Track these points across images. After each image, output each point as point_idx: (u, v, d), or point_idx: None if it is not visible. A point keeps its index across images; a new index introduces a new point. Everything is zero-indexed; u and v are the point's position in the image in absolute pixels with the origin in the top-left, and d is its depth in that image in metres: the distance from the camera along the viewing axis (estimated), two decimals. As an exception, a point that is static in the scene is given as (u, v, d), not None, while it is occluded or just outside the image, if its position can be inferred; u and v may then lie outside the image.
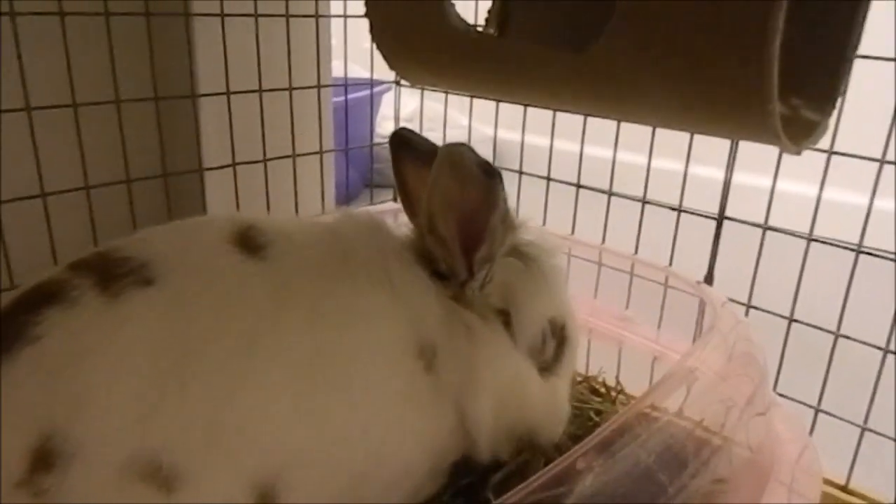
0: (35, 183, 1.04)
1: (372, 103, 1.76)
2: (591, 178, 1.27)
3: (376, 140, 1.72)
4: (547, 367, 0.86)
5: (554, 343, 0.86)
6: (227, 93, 1.27)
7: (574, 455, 0.70)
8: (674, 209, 1.10)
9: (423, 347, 0.75)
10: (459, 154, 0.71)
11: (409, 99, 2.22)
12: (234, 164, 1.31)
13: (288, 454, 0.67)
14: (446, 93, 1.47)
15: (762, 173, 1.22)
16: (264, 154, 1.35)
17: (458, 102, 1.55)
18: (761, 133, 0.71)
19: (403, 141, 0.85)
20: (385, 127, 2.90)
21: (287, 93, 1.37)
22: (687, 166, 1.09)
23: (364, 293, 0.75)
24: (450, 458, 0.82)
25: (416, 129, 1.34)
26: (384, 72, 1.46)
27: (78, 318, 0.64)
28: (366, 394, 0.72)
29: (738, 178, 1.09)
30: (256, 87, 1.31)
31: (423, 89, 1.50)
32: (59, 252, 1.06)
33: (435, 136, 1.62)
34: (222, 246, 0.73)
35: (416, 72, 1.11)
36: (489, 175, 0.72)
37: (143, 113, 1.18)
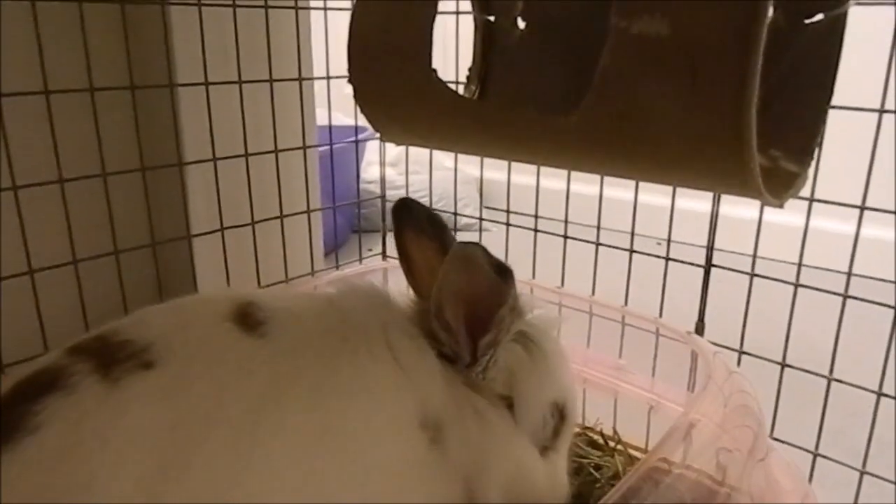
0: (22, 260, 1.04)
1: (357, 150, 1.77)
2: (580, 215, 1.27)
3: (362, 186, 1.73)
4: (547, 445, 0.85)
5: (553, 422, 0.85)
6: (214, 159, 1.28)
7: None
8: (662, 258, 1.11)
9: (428, 420, 0.75)
10: (472, 254, 0.72)
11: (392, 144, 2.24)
12: (222, 229, 1.31)
13: None
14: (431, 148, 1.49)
15: (749, 205, 1.24)
16: (252, 217, 1.36)
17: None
18: (743, 189, 0.73)
19: (405, 210, 0.86)
20: (370, 172, 2.92)
21: (273, 155, 1.38)
22: (673, 205, 1.10)
23: (366, 368, 0.74)
24: None
25: (402, 172, 1.34)
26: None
27: (78, 405, 0.63)
28: (372, 470, 0.71)
29: (725, 209, 1.10)
30: (242, 152, 1.32)
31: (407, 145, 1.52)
32: (47, 327, 1.05)
33: (420, 179, 1.63)
34: (221, 325, 0.72)
35: (399, 133, 1.12)
36: (501, 274, 0.73)
37: (129, 183, 1.18)
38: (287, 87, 1.43)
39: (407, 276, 0.87)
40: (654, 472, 0.80)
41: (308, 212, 1.49)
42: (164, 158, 1.27)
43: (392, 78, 0.96)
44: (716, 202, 1.09)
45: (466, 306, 0.76)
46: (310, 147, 1.49)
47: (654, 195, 1.19)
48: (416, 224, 0.85)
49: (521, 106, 0.86)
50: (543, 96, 0.92)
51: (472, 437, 0.77)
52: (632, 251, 1.16)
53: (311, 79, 1.49)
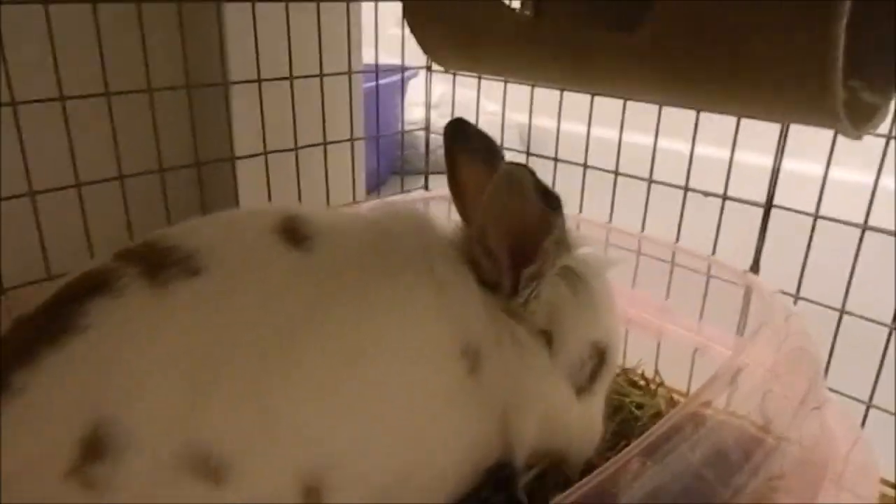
0: (68, 173, 1.03)
1: (403, 89, 1.73)
2: (631, 166, 1.23)
3: (406, 127, 1.70)
4: (584, 386, 0.83)
5: (592, 364, 0.83)
6: (259, 80, 1.26)
7: (625, 458, 0.69)
8: (718, 196, 1.07)
9: (468, 349, 0.74)
10: (520, 177, 0.69)
11: (437, 85, 2.19)
12: (265, 153, 1.30)
13: (332, 450, 0.67)
14: (479, 78, 1.44)
15: (805, 159, 1.17)
16: (295, 142, 1.34)
17: (488, 89, 1.52)
18: (821, 115, 0.68)
19: (459, 131, 0.83)
20: (413, 113, 2.87)
21: (318, 80, 1.35)
22: (733, 153, 1.05)
23: (409, 291, 0.74)
24: (487, 462, 0.80)
25: (444, 115, 1.32)
26: (412, 58, 1.45)
27: (125, 307, 0.64)
28: (408, 392, 0.71)
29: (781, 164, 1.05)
30: (287, 75, 1.29)
31: (454, 74, 1.47)
32: (94, 241, 1.06)
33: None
34: (268, 237, 0.72)
35: (451, 56, 1.08)
36: (548, 201, 0.70)
37: (175, 102, 1.17)
38: (334, 11, 1.39)
39: (455, 200, 0.85)
40: (696, 416, 0.78)
41: (352, 140, 1.46)
42: (210, 78, 1.25)
43: (445, -6, 0.92)
44: (779, 152, 1.03)
45: (511, 233, 0.74)
46: (355, 73, 1.45)
47: (708, 147, 1.14)
48: (470, 146, 0.82)
49: (582, 23, 0.82)
50: (606, 12, 0.87)
51: (509, 368, 0.76)
52: (686, 189, 1.12)
53: (359, 0, 1.45)
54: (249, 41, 1.23)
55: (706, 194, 1.10)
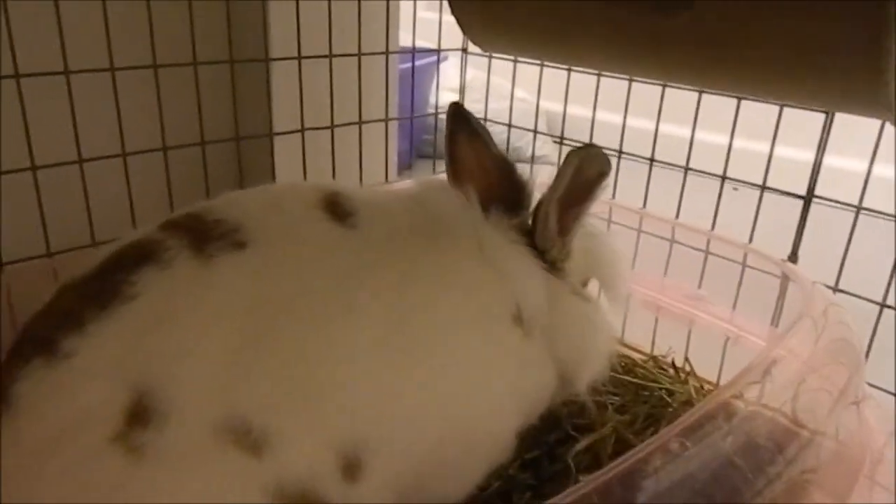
0: (114, 143, 1.05)
1: (438, 73, 1.73)
2: (665, 155, 1.23)
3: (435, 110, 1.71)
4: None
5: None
6: (299, 57, 1.26)
7: (657, 441, 0.69)
8: (757, 186, 1.06)
9: (521, 314, 0.76)
10: (595, 155, 0.76)
11: (468, 70, 2.18)
12: (302, 130, 1.31)
13: (374, 417, 0.67)
14: (514, 61, 1.44)
15: (840, 154, 1.16)
16: (332, 120, 1.35)
17: (519, 76, 1.52)
18: (871, 103, 0.67)
19: (459, 114, 0.86)
20: (442, 97, 2.87)
21: (355, 60, 1.36)
22: (773, 143, 1.04)
23: (456, 259, 0.75)
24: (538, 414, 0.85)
25: (474, 100, 1.32)
26: (444, 43, 1.45)
27: (172, 278, 0.65)
28: (455, 359, 0.72)
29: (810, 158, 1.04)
30: (327, 53, 1.30)
31: (490, 57, 1.47)
32: (136, 210, 1.08)
33: (494, 108, 1.61)
34: (311, 212, 0.73)
35: (489, 36, 1.08)
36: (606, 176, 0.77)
37: (218, 78, 1.18)
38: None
39: (453, 179, 0.87)
40: (727, 406, 0.78)
41: (386, 120, 1.47)
42: (252, 54, 1.26)
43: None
44: (822, 144, 1.02)
45: (566, 203, 0.78)
46: (392, 53, 1.46)
47: (748, 140, 1.13)
48: (471, 127, 0.85)
49: (624, 5, 0.81)
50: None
51: (566, 326, 0.80)
52: (724, 177, 1.11)
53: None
54: (291, 19, 1.24)
55: (743, 184, 1.09)
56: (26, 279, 0.95)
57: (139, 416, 0.59)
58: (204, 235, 0.68)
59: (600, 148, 0.75)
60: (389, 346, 0.69)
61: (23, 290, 0.91)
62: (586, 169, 0.75)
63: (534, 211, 0.80)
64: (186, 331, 0.63)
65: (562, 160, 0.76)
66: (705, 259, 1.13)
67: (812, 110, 0.95)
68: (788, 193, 1.04)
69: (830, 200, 1.00)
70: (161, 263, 0.65)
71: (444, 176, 0.88)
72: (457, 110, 0.86)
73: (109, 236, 0.72)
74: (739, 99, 1.06)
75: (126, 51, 1.03)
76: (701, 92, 1.11)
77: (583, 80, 1.31)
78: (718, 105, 1.09)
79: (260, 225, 0.70)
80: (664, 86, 1.17)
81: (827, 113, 0.97)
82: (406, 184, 1.31)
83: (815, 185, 1.02)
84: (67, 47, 0.97)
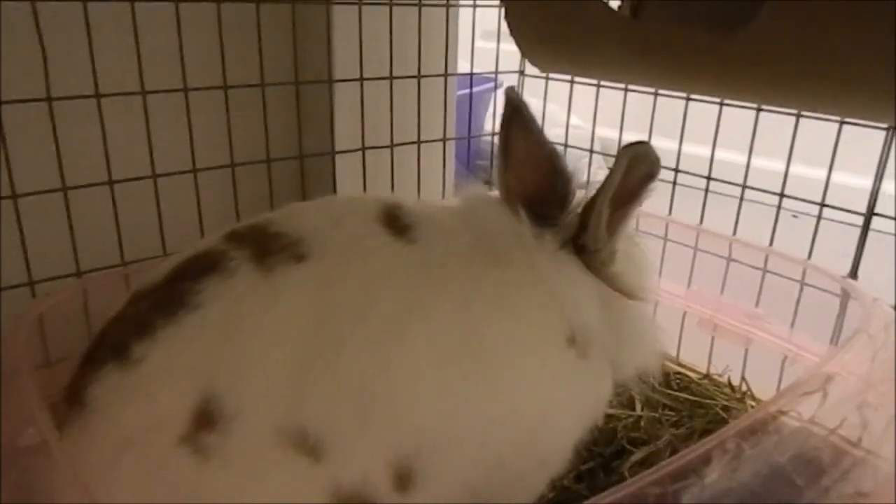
0: (186, 160, 1.12)
1: (495, 99, 1.77)
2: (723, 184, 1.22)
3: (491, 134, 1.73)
4: None
5: None
6: (361, 79, 1.31)
7: (707, 445, 0.69)
8: (816, 203, 1.05)
9: (575, 335, 0.76)
10: (645, 153, 0.74)
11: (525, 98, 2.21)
12: (363, 149, 1.35)
13: (429, 435, 0.69)
14: (571, 82, 1.46)
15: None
16: (391, 139, 1.39)
17: (574, 104, 1.54)
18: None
19: (517, 103, 0.84)
20: (497, 124, 2.88)
21: (415, 82, 1.40)
22: (832, 163, 1.03)
23: (513, 282, 0.75)
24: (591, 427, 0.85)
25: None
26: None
27: (236, 288, 0.67)
28: (511, 381, 0.73)
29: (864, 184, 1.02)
30: (388, 75, 1.34)
31: (547, 79, 1.49)
32: (205, 223, 1.13)
33: (550, 134, 1.63)
34: (371, 226, 0.75)
35: (548, 56, 1.10)
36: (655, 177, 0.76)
37: (283, 97, 1.24)
38: (434, 15, 1.43)
39: (503, 172, 0.83)
40: (776, 420, 0.77)
41: (444, 140, 1.50)
42: (316, 75, 1.31)
43: (548, -4, 0.94)
44: (883, 160, 1.00)
45: (615, 204, 0.76)
46: (451, 75, 1.49)
47: (801, 166, 1.11)
48: (526, 119, 0.83)
49: (682, 24, 0.82)
50: (707, 12, 0.88)
51: (626, 332, 0.80)
52: (782, 195, 1.10)
53: (458, 5, 1.49)
54: (354, 42, 1.29)
55: (802, 201, 1.08)
56: (104, 286, 1.01)
57: (206, 419, 0.62)
58: (266, 247, 0.70)
59: (649, 145, 0.74)
60: (447, 365, 0.69)
61: (101, 296, 0.97)
62: (635, 168, 0.74)
63: (583, 210, 0.79)
64: (249, 340, 0.65)
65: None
66: (762, 277, 1.12)
67: (872, 127, 0.95)
68: (848, 210, 1.03)
69: (889, 217, 0.98)
70: (225, 273, 0.68)
71: (487, 191, 0.87)
72: (514, 96, 0.84)
73: (180, 249, 0.75)
74: (797, 122, 1.05)
75: (198, 73, 1.09)
76: (757, 115, 1.11)
77: (637, 104, 1.32)
78: (774, 129, 1.08)
79: (319, 238, 0.72)
80: (720, 108, 1.17)
81: (888, 130, 0.96)
82: (453, 199, 1.34)
83: (875, 201, 1.00)
84: (144, 69, 1.04)
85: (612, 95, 1.39)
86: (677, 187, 1.27)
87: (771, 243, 1.15)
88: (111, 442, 0.63)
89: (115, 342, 0.67)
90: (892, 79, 0.66)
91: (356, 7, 1.28)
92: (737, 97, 0.94)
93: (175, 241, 1.08)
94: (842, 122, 1.00)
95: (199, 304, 0.66)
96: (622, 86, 1.32)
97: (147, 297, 0.69)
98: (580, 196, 0.80)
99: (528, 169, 0.81)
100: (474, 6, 1.49)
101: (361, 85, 1.32)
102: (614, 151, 1.19)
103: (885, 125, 0.94)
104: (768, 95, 0.86)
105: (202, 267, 0.69)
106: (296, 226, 0.73)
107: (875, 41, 0.65)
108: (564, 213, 0.79)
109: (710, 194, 1.22)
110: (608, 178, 0.75)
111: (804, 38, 0.70)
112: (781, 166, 1.09)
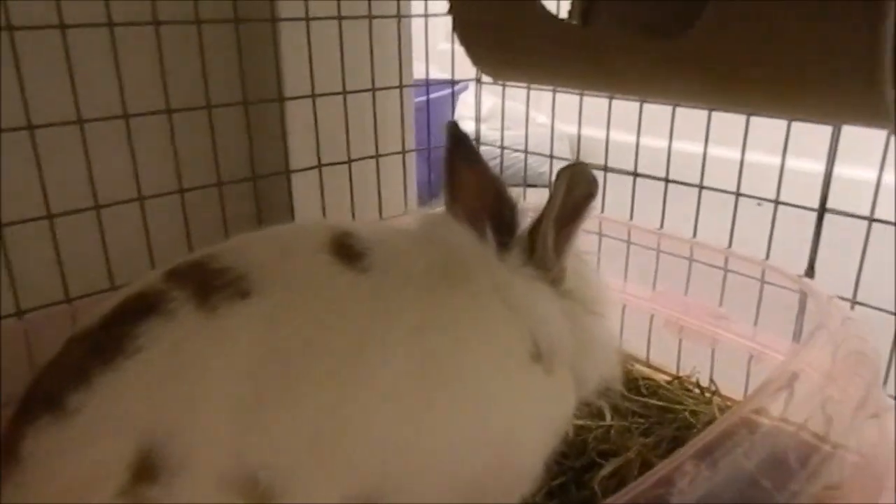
0: (130, 187, 1.08)
1: (454, 102, 1.75)
2: (680, 173, 1.22)
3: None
4: None
5: None
6: (313, 95, 1.29)
7: (678, 459, 0.68)
8: (771, 201, 1.05)
9: (538, 350, 0.75)
10: (581, 172, 0.75)
11: (486, 98, 2.21)
12: (319, 166, 1.33)
13: (394, 469, 0.67)
14: (528, 88, 1.46)
15: (852, 164, 1.14)
16: (349, 155, 1.37)
17: (537, 100, 1.53)
18: (871, 115, 0.67)
19: (458, 135, 0.86)
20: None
21: (370, 95, 1.38)
22: (784, 157, 1.03)
23: (473, 301, 0.74)
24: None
25: (494, 127, 1.33)
26: (461, 72, 1.47)
27: (177, 331, 0.64)
28: (478, 403, 0.71)
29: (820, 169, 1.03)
30: (340, 90, 1.33)
31: (504, 85, 1.49)
32: (155, 252, 1.10)
33: (512, 135, 1.62)
34: (319, 256, 0.72)
35: (500, 66, 1.10)
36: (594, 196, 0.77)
37: (232, 117, 1.21)
38: (385, 26, 1.42)
39: (451, 203, 0.84)
40: (748, 422, 0.77)
41: (403, 152, 1.49)
42: (266, 94, 1.29)
43: (493, 3, 0.93)
44: (831, 155, 1.01)
45: (561, 222, 0.78)
46: (406, 86, 1.48)
47: (759, 154, 1.12)
48: (468, 150, 0.85)
49: (629, 30, 0.82)
50: (653, 18, 0.87)
51: (589, 348, 0.81)
52: (738, 194, 1.10)
53: (410, 16, 1.48)
54: (304, 58, 1.27)
55: (759, 199, 1.08)
56: (48, 325, 0.97)
57: (147, 471, 0.60)
58: (208, 285, 0.67)
59: (586, 165, 0.75)
60: (408, 395, 0.68)
61: (44, 335, 0.93)
62: (574, 188, 0.75)
63: (530, 233, 0.79)
64: (193, 384, 0.63)
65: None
66: (724, 277, 1.12)
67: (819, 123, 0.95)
68: (802, 207, 1.03)
69: (843, 213, 0.99)
70: (164, 315, 0.65)
71: (442, 209, 0.86)
72: (454, 130, 0.85)
73: (130, 280, 0.72)
74: (749, 115, 1.05)
75: (140, 97, 1.06)
76: (711, 110, 1.11)
77: (599, 101, 1.31)
78: (729, 121, 1.09)
79: (265, 272, 0.69)
80: (674, 106, 1.17)
81: (834, 125, 0.97)
82: (406, 218, 1.33)
83: (826, 197, 1.01)
84: (80, 95, 1.00)
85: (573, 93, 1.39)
86: (638, 179, 1.27)
87: (731, 238, 1.15)
88: (46, 499, 0.60)
89: (49, 392, 0.63)
90: (840, 78, 0.66)
91: (304, 23, 1.26)
92: (689, 101, 0.94)
93: (124, 273, 1.04)
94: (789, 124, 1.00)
95: (137, 349, 0.63)
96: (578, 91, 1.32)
97: (82, 343, 0.66)
98: (526, 222, 0.81)
99: (474, 198, 0.82)
100: (426, 16, 1.48)
101: (314, 101, 1.30)
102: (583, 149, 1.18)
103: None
104: (719, 99, 0.85)
105: (140, 309, 0.66)
106: (240, 260, 0.70)
107: (819, 40, 0.65)
108: (513, 239, 0.79)
109: (670, 185, 1.22)
110: (550, 200, 0.75)
111: (749, 39, 0.70)
112: (738, 156, 1.09)
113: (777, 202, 1.06)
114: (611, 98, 1.29)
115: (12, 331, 0.95)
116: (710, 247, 1.12)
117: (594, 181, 0.75)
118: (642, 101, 1.24)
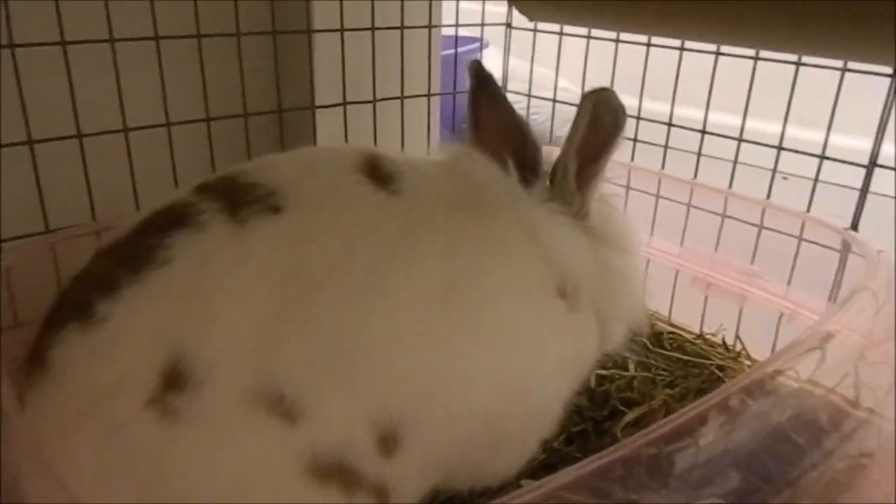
0: (158, 113, 1.06)
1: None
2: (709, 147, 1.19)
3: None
4: None
5: None
6: (342, 29, 1.25)
7: (702, 405, 0.66)
8: (817, 156, 1.01)
9: (564, 286, 0.74)
10: (607, 97, 0.72)
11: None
12: (344, 104, 1.30)
13: (414, 392, 0.66)
14: (559, 33, 1.40)
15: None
16: (374, 94, 1.34)
17: (562, 67, 1.48)
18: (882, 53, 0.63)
19: (482, 75, 0.85)
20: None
21: (398, 35, 1.34)
22: (832, 118, 0.99)
23: (500, 232, 0.73)
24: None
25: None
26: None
27: (206, 243, 0.63)
28: (501, 333, 0.70)
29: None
30: (370, 25, 1.29)
31: (535, 31, 1.44)
32: (180, 180, 1.09)
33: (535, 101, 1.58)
34: (351, 175, 0.71)
35: (536, 3, 1.05)
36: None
37: (259, 49, 1.18)
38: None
39: (475, 142, 0.85)
40: (771, 381, 0.74)
41: (429, 95, 1.45)
42: (294, 25, 1.25)
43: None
44: (887, 107, 0.96)
45: (583, 155, 0.76)
46: (435, 26, 1.44)
47: (795, 128, 1.08)
48: (493, 87, 0.84)
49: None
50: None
51: (615, 286, 0.80)
52: (780, 148, 1.06)
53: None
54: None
55: (802, 154, 1.04)
56: (75, 244, 0.95)
57: (174, 380, 0.59)
58: (238, 199, 0.66)
59: (613, 91, 0.72)
60: (432, 319, 0.66)
61: (72, 255, 0.92)
62: (600, 119, 0.72)
63: (553, 168, 0.78)
64: (220, 296, 0.62)
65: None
66: (759, 232, 1.08)
67: (873, 73, 0.91)
68: (849, 162, 0.99)
69: (891, 168, 0.95)
70: (195, 227, 0.64)
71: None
72: (478, 68, 0.84)
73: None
74: (796, 72, 1.01)
75: (170, 21, 1.03)
76: (755, 68, 1.07)
77: (628, 64, 1.26)
78: (767, 91, 1.06)
79: (296, 189, 0.68)
80: (716, 58, 1.13)
81: (892, 77, 0.92)
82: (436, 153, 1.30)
83: (878, 152, 0.97)
84: (112, 15, 0.97)
85: (601, 52, 1.34)
86: (669, 152, 1.23)
87: (768, 195, 1.11)
88: (73, 406, 0.59)
89: (77, 301, 0.62)
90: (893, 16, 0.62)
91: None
92: (734, 39, 0.90)
93: (149, 200, 1.02)
94: (842, 76, 0.96)
95: (166, 260, 0.62)
96: (612, 36, 1.27)
97: (111, 254, 0.65)
98: (550, 161, 0.80)
99: (497, 137, 0.81)
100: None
101: (342, 36, 1.26)
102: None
103: (888, 71, 0.90)
104: (768, 35, 0.81)
105: (170, 221, 0.65)
106: (271, 176, 0.69)
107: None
108: (536, 177, 0.78)
109: (702, 158, 1.18)
110: (573, 128, 0.73)
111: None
112: (775, 128, 1.06)
113: (822, 157, 1.01)
114: (648, 48, 1.24)
115: (39, 247, 0.95)
116: (747, 198, 1.08)
117: (622, 110, 0.72)
118: (681, 54, 1.19)
